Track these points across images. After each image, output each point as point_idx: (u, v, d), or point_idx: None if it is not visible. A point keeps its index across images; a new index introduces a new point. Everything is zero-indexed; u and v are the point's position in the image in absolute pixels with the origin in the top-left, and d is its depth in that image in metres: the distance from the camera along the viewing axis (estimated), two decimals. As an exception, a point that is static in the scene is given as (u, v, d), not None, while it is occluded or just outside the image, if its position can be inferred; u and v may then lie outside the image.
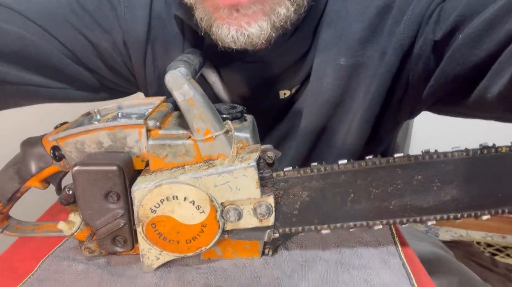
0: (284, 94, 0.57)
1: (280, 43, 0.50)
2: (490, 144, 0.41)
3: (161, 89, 0.58)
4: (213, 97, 0.58)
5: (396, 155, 0.41)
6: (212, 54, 0.53)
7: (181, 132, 0.44)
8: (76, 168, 0.42)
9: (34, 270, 0.47)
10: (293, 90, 0.57)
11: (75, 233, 0.46)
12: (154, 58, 0.57)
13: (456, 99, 0.49)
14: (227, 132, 0.43)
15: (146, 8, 0.54)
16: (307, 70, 0.54)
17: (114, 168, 0.41)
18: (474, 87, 0.44)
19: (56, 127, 0.48)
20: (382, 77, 0.51)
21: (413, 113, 0.57)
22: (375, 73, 0.51)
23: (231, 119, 0.46)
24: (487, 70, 0.41)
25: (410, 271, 0.44)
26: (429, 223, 0.43)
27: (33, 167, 0.47)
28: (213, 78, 0.57)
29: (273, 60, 0.53)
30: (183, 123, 0.45)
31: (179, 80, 0.40)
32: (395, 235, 0.50)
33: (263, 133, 0.50)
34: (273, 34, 0.46)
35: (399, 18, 0.49)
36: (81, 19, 0.53)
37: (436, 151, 0.41)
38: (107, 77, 0.59)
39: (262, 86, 0.56)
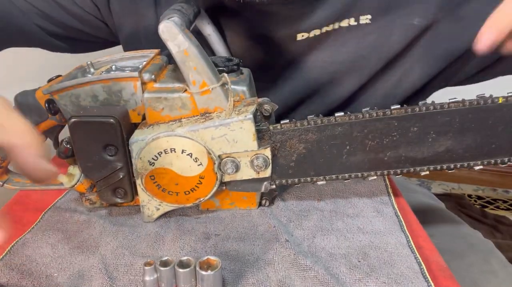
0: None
1: None
2: (488, 95, 0.41)
3: None
4: (209, 50, 0.57)
5: (393, 107, 0.41)
6: (209, 3, 0.51)
7: (177, 85, 0.44)
8: (72, 120, 0.42)
9: (37, 221, 0.48)
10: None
11: (76, 186, 0.46)
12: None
13: None
14: (223, 85, 0.42)
15: None
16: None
17: (111, 120, 0.41)
18: None
19: (49, 81, 0.47)
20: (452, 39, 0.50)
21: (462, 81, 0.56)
22: (445, 33, 0.50)
23: (228, 72, 0.45)
24: None
25: (402, 219, 0.45)
26: (422, 173, 0.44)
27: (29, 121, 0.47)
28: (208, 30, 0.55)
29: (280, 9, 0.50)
30: (178, 76, 0.44)
31: (173, 30, 0.39)
32: (389, 186, 0.52)
33: (263, 87, 0.50)
34: None
35: None
36: None
37: (433, 102, 0.41)
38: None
39: (266, 36, 0.53)
